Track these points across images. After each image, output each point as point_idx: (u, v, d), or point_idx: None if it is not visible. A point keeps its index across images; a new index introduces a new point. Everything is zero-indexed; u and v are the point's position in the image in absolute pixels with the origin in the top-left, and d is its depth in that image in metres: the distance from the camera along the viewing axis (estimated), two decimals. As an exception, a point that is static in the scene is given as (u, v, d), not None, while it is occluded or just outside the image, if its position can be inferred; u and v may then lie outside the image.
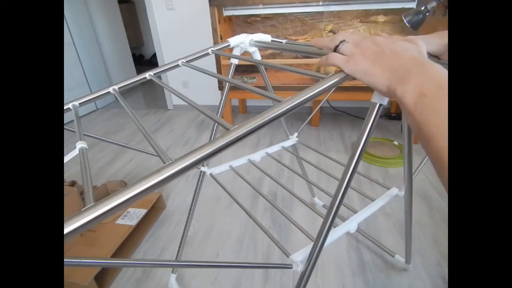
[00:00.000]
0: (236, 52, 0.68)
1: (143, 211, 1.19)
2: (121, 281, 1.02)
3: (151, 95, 3.35)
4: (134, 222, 1.13)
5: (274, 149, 0.94)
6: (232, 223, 1.26)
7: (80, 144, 0.38)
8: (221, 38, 1.88)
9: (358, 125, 2.18)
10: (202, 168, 0.84)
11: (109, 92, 0.52)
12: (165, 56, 2.58)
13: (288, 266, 0.50)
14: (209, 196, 1.45)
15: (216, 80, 1.97)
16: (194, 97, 2.76)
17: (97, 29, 2.98)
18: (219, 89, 2.00)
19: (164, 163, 0.29)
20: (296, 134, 0.99)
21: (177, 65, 0.59)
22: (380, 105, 0.39)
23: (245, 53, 0.69)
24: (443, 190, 1.40)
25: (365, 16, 2.02)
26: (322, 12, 2.03)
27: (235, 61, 0.71)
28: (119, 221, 1.14)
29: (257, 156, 0.89)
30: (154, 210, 1.33)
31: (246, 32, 0.67)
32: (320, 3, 1.67)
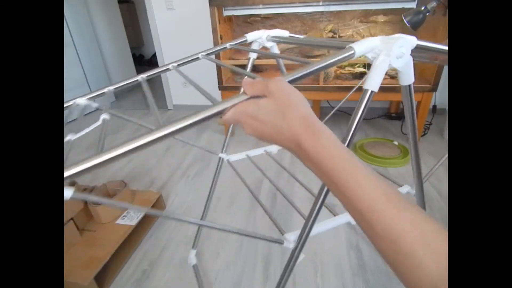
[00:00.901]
0: (255, 47, 0.71)
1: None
2: (121, 281, 1.02)
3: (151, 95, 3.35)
4: (134, 222, 1.13)
5: None
6: (232, 223, 1.26)
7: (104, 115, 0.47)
8: (221, 38, 1.88)
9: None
10: (221, 155, 0.89)
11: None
12: (165, 56, 2.58)
13: (280, 241, 0.54)
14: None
15: (216, 80, 1.97)
16: (194, 97, 2.76)
17: (97, 29, 2.98)
18: (219, 89, 2.00)
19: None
20: None
21: (168, 69, 0.62)
22: (372, 92, 0.40)
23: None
24: (443, 190, 1.40)
25: (365, 16, 2.02)
26: (322, 12, 2.03)
27: (253, 56, 0.73)
28: (119, 221, 1.14)
29: (274, 148, 0.95)
30: (154, 210, 1.33)
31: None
32: (320, 3, 1.67)
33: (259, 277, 1.00)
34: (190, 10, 2.32)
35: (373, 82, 0.40)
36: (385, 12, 1.97)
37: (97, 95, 0.53)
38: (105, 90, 0.53)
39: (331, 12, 2.02)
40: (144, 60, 5.08)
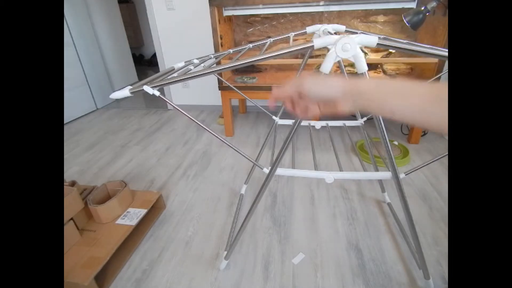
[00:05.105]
0: (315, 37, 0.82)
1: (143, 211, 1.19)
2: (121, 281, 1.02)
3: (151, 95, 3.34)
4: (134, 222, 1.13)
5: (335, 123, 1.18)
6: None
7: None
8: (221, 38, 1.88)
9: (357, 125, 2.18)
10: (274, 117, 1.18)
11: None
12: (165, 56, 2.58)
13: (260, 166, 0.78)
14: (209, 196, 1.45)
15: (216, 80, 1.97)
16: (195, 97, 2.76)
17: (97, 29, 2.98)
18: (219, 89, 2.00)
19: None
20: (365, 118, 1.18)
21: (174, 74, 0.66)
22: (324, 74, 0.58)
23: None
24: (443, 190, 1.40)
25: (365, 16, 2.02)
26: (322, 12, 2.03)
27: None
28: (119, 221, 1.14)
29: (318, 124, 1.11)
30: (154, 210, 1.33)
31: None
32: (320, 3, 1.67)
33: (259, 278, 1.00)
34: (190, 10, 2.33)
35: (325, 66, 0.56)
36: (385, 12, 1.97)
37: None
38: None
39: (331, 12, 2.02)
40: (144, 60, 5.09)
